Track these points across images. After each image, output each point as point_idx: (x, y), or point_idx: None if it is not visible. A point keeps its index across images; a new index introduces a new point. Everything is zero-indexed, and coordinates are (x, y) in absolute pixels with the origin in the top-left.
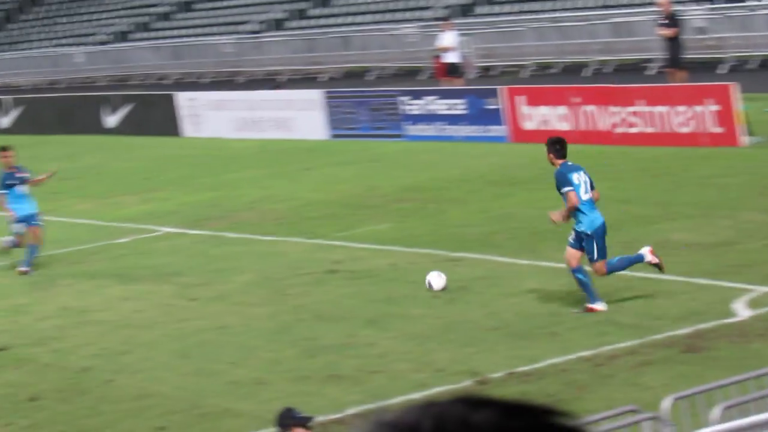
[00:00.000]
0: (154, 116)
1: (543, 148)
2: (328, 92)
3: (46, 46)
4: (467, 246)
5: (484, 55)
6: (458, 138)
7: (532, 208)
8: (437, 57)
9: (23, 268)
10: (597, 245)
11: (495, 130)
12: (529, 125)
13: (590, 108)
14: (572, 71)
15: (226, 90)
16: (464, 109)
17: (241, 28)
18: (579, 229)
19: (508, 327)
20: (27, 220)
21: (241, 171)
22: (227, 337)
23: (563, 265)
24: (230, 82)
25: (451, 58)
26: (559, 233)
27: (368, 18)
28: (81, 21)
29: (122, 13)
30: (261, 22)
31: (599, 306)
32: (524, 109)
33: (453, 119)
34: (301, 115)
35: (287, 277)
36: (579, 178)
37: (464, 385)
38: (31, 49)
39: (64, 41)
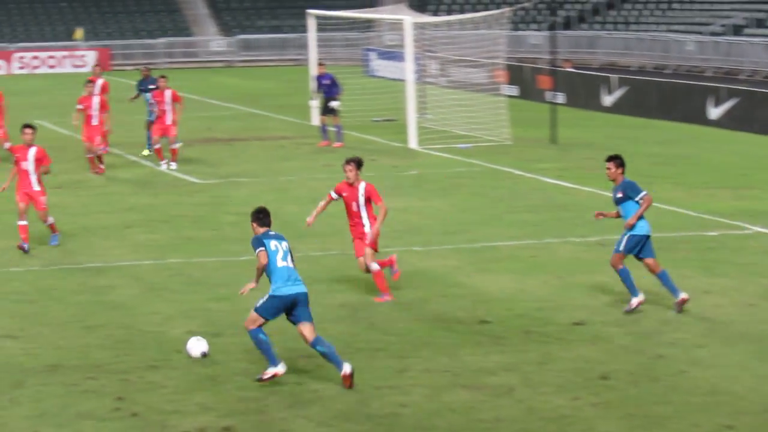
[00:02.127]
0: (760, 113)
1: None
2: None
3: (659, 30)
4: None
5: None
6: None
7: None
8: None
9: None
10: (268, 309)
11: None
12: None
13: None
14: None
15: None
16: None
17: None
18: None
19: None
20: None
21: None
22: None
23: None
24: None
25: None
26: None
27: None
28: (697, 9)
29: (738, 6)
30: None
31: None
32: None
33: None
34: None
35: None
36: (277, 245)
37: None
38: (640, 31)
39: (676, 27)
